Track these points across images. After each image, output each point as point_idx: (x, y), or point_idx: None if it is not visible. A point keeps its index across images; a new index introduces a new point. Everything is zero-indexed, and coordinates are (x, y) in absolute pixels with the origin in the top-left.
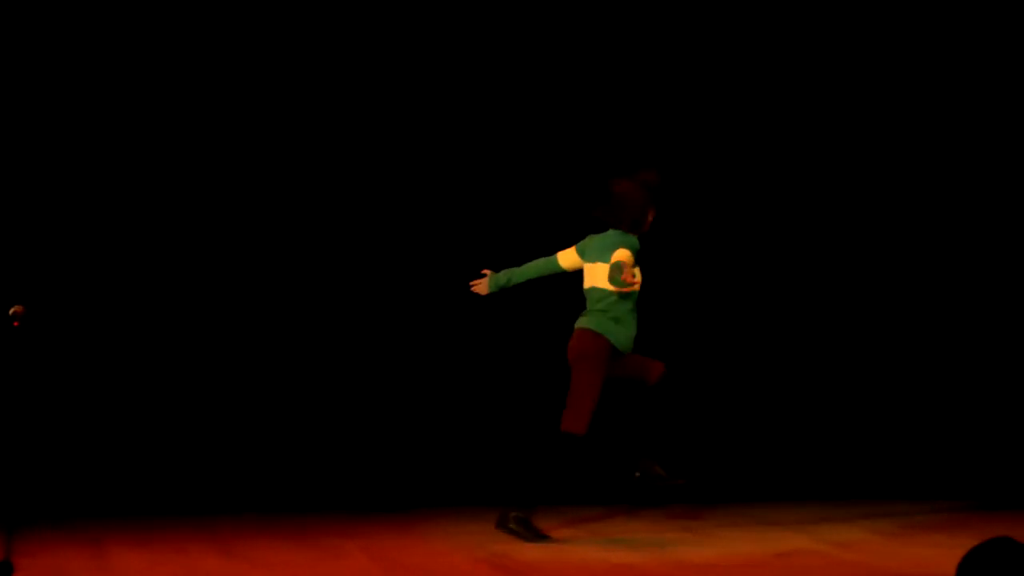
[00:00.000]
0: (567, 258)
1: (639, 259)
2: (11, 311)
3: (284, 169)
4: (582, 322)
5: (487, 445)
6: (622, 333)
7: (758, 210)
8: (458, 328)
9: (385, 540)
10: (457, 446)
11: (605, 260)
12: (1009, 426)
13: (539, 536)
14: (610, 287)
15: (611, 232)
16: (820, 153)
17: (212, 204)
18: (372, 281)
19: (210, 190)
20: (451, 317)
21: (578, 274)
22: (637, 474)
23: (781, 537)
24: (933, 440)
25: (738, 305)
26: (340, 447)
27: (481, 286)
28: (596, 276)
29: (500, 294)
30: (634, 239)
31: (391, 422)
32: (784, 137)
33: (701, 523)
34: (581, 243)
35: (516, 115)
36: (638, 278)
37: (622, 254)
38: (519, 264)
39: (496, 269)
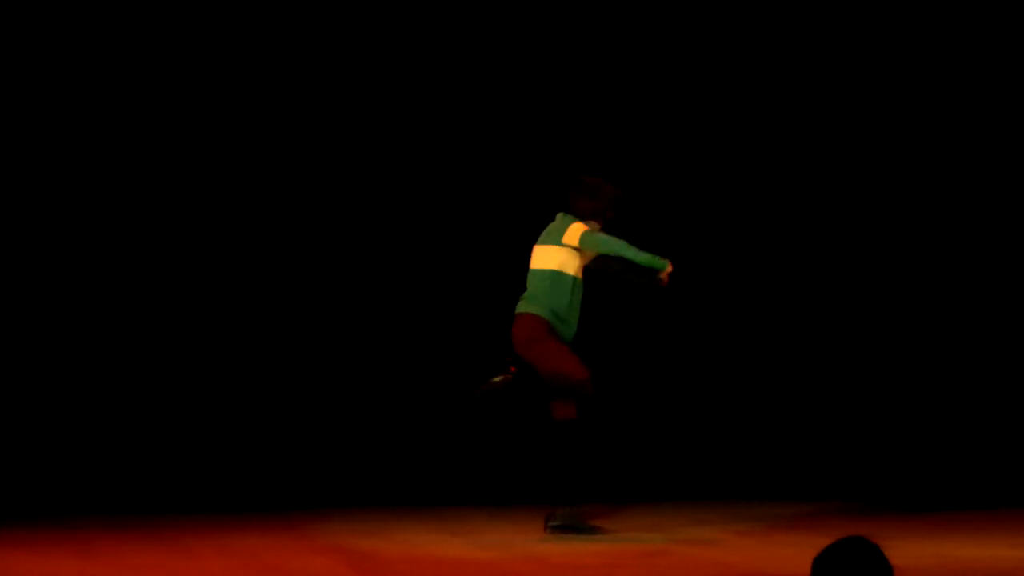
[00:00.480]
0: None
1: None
2: None
3: (277, 169)
4: (524, 307)
5: (368, 445)
6: (566, 331)
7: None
8: (341, 327)
9: (249, 540)
10: (339, 446)
11: (556, 242)
12: (869, 427)
13: (593, 531)
14: (552, 265)
15: (566, 217)
16: (819, 154)
17: (193, 204)
18: (251, 281)
19: (204, 190)
20: (333, 315)
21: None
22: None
23: (638, 536)
24: (793, 440)
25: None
26: (215, 447)
27: None
28: (544, 258)
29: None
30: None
31: (272, 421)
32: (784, 137)
33: None
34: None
35: (504, 115)
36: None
37: (581, 226)
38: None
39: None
